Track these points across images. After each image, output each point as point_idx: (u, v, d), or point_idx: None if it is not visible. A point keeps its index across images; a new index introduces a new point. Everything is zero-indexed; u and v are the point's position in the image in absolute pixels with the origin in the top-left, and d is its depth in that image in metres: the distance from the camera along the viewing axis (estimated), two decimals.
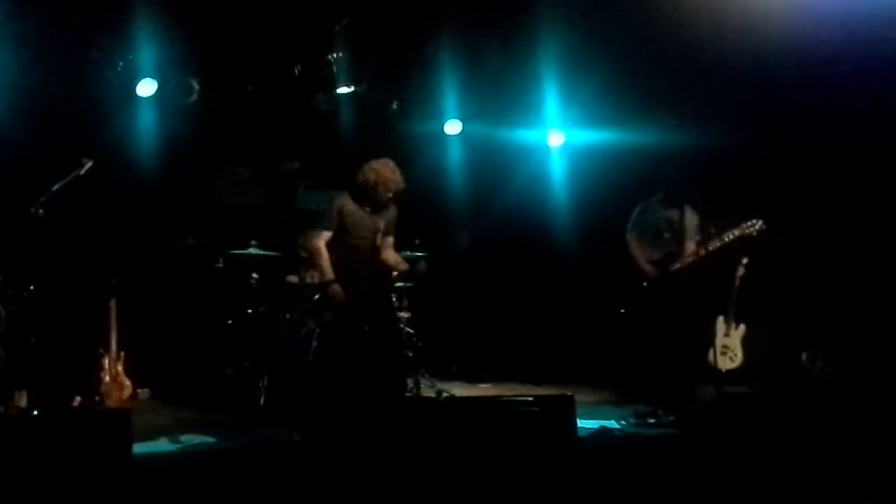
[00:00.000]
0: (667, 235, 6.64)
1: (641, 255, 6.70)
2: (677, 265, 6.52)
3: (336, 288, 5.99)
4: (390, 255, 6.23)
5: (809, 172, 7.34)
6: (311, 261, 6.41)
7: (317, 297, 6.33)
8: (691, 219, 6.58)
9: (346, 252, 6.04)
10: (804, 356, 7.19)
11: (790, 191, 7.51)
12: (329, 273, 6.01)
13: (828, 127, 7.05)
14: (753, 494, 4.27)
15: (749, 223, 6.54)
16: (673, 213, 6.67)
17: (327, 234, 6.05)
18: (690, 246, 6.53)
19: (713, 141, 7.43)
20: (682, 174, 6.64)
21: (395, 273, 6.34)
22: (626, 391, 6.71)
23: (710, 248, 6.33)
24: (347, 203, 6.05)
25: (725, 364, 7.19)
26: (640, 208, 6.86)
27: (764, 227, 6.54)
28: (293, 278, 6.98)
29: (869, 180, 7.07)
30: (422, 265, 6.31)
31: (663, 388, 6.32)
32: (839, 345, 7.07)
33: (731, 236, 6.51)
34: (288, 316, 6.64)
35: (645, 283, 6.62)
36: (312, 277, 6.97)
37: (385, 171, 5.98)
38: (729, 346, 7.32)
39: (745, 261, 7.10)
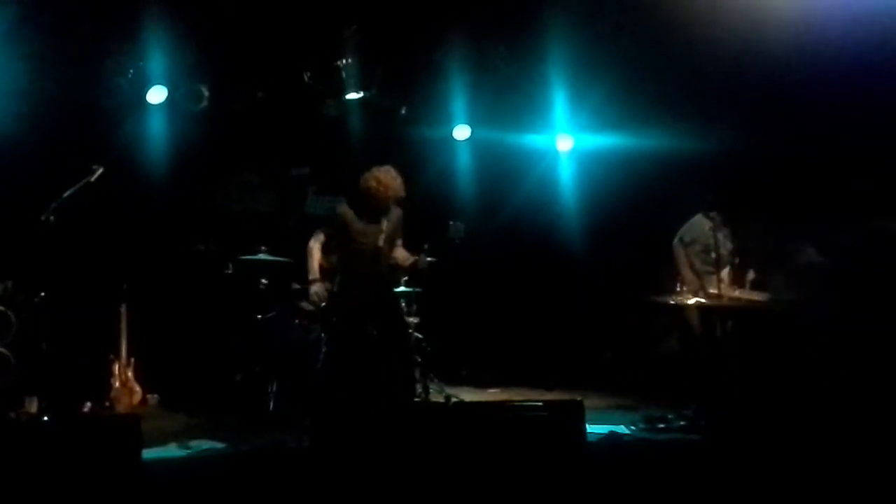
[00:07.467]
0: (713, 255, 6.58)
1: (686, 265, 6.65)
2: (712, 292, 6.42)
3: (316, 287, 6.09)
4: (399, 253, 6.26)
5: (822, 175, 7.29)
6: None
7: (324, 303, 6.34)
8: (725, 243, 6.55)
9: (350, 258, 6.07)
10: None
11: (802, 194, 7.46)
12: (314, 272, 6.13)
13: (840, 129, 7.00)
14: (764, 500, 4.25)
15: (777, 299, 6.52)
16: (717, 234, 6.59)
17: (322, 236, 6.21)
18: (724, 272, 6.48)
19: (722, 145, 7.39)
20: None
21: (403, 268, 6.36)
22: (636, 396, 6.69)
23: (737, 296, 6.34)
24: (347, 212, 6.09)
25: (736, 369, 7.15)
26: (696, 220, 6.74)
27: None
28: (296, 286, 7.00)
29: (888, 182, 7.01)
30: (423, 259, 6.27)
31: (674, 394, 6.28)
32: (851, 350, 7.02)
33: (759, 299, 6.40)
34: (297, 321, 6.66)
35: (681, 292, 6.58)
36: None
37: (387, 178, 5.99)
38: None
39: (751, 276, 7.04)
